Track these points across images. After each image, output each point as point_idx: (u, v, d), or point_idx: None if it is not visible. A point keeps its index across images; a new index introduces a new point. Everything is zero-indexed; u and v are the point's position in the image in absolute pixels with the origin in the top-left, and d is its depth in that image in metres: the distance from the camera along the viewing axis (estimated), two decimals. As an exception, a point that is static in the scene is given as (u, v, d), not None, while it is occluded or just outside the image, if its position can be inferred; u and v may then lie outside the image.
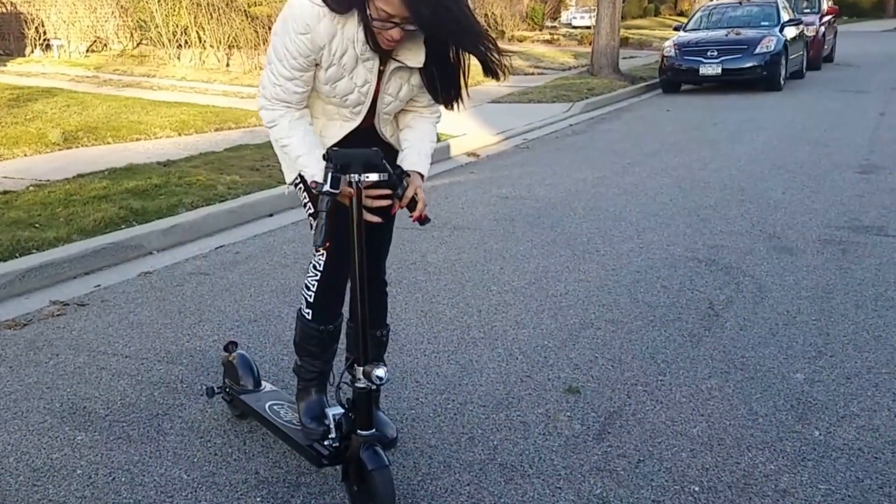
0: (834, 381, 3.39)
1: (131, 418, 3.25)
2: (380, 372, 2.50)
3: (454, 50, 2.50)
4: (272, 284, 4.80)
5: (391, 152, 2.70)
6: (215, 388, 3.22)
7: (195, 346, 3.94)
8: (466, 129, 10.11)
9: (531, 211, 6.47)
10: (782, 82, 14.39)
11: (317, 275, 2.74)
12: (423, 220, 2.59)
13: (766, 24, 15.18)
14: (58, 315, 4.42)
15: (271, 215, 6.47)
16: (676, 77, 14.81)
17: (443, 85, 2.57)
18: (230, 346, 3.28)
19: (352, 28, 2.38)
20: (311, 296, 2.77)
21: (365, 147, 2.47)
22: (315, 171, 2.46)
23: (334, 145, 2.57)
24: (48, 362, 3.80)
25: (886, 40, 30.20)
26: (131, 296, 4.71)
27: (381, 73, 2.52)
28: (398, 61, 2.48)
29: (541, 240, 5.62)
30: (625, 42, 22.62)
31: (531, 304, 4.38)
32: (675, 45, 14.89)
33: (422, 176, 2.65)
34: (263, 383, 3.17)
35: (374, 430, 2.52)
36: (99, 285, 4.89)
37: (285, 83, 2.46)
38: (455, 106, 2.65)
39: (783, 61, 14.30)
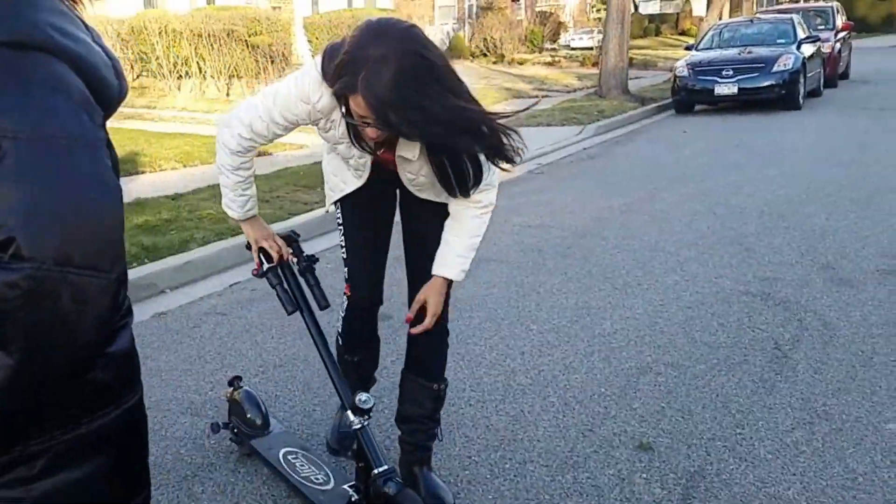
0: (933, 432, 3.04)
1: (158, 481, 2.93)
2: (362, 396, 2.39)
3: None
4: (294, 325, 4.42)
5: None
6: (220, 424, 3.03)
7: (219, 396, 3.59)
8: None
9: (559, 241, 6.14)
10: (801, 101, 14.01)
11: (344, 303, 2.80)
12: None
13: (783, 41, 14.81)
14: (70, 362, 4.07)
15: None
16: (690, 97, 14.45)
17: (456, 174, 2.31)
18: (234, 381, 3.10)
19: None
20: (339, 325, 2.88)
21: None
22: (235, 213, 2.59)
23: (350, 194, 2.62)
24: (58, 418, 3.45)
25: (897, 57, 30.02)
26: (147, 339, 4.38)
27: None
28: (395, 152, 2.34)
29: (575, 272, 5.28)
30: (629, 63, 22.40)
31: (578, 346, 4.03)
32: (687, 64, 14.54)
33: (449, 283, 2.50)
34: (273, 422, 3.00)
35: (387, 467, 2.34)
36: (111, 328, 4.55)
37: (270, 123, 2.36)
38: (474, 193, 2.39)
39: (801, 79, 13.93)
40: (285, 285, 2.62)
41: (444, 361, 2.79)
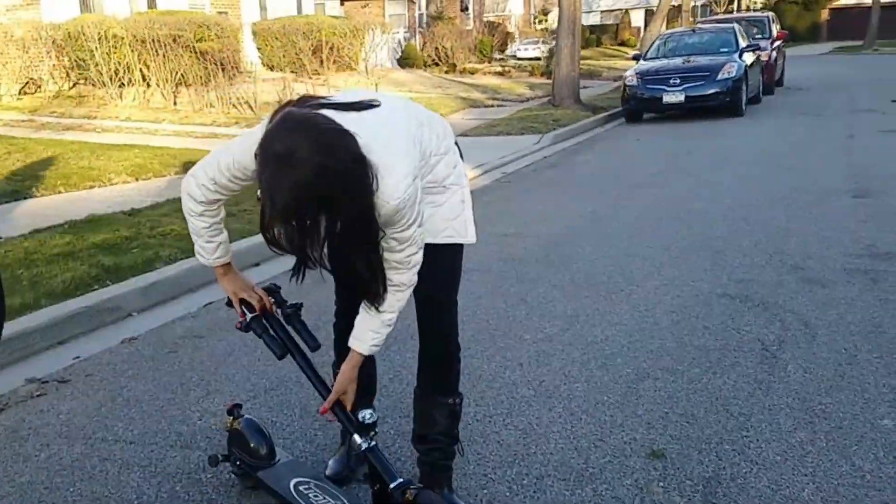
0: (928, 427, 3.12)
1: (154, 522, 2.78)
2: (365, 414, 2.40)
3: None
4: (280, 344, 4.37)
5: None
6: (219, 457, 2.87)
7: (209, 425, 3.44)
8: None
9: (537, 249, 6.17)
10: (744, 108, 14.37)
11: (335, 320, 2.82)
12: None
13: (726, 50, 15.15)
14: (37, 396, 3.86)
15: (258, 264, 5.96)
16: (640, 106, 14.67)
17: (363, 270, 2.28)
18: (234, 410, 2.92)
19: None
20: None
21: None
22: (206, 260, 2.57)
23: None
24: (38, 455, 3.25)
25: (825, 64, 30.90)
26: (119, 367, 4.17)
27: None
28: None
29: (558, 280, 5.31)
30: (577, 72, 22.65)
31: (574, 354, 4.04)
32: (636, 74, 14.77)
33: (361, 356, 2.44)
34: (278, 452, 2.82)
35: (402, 480, 2.33)
36: (78, 357, 4.33)
37: (232, 178, 2.36)
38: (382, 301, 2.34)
39: (744, 87, 14.27)
40: (271, 332, 2.59)
41: (457, 376, 2.75)
